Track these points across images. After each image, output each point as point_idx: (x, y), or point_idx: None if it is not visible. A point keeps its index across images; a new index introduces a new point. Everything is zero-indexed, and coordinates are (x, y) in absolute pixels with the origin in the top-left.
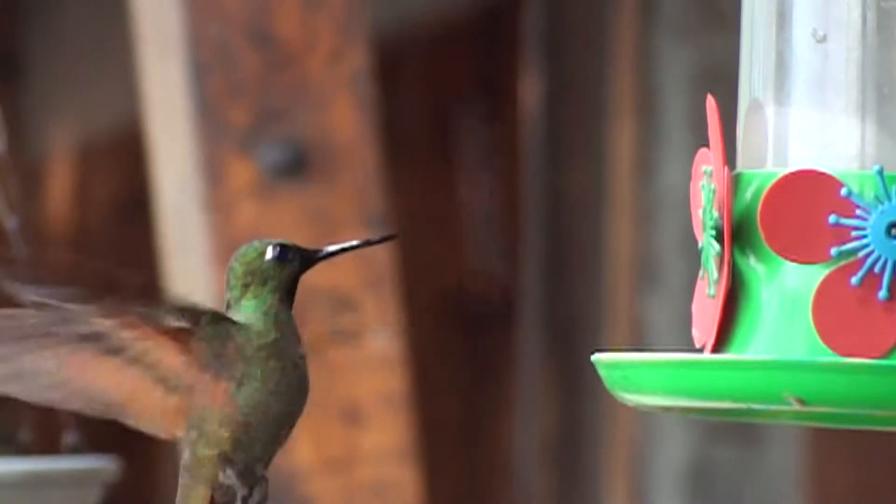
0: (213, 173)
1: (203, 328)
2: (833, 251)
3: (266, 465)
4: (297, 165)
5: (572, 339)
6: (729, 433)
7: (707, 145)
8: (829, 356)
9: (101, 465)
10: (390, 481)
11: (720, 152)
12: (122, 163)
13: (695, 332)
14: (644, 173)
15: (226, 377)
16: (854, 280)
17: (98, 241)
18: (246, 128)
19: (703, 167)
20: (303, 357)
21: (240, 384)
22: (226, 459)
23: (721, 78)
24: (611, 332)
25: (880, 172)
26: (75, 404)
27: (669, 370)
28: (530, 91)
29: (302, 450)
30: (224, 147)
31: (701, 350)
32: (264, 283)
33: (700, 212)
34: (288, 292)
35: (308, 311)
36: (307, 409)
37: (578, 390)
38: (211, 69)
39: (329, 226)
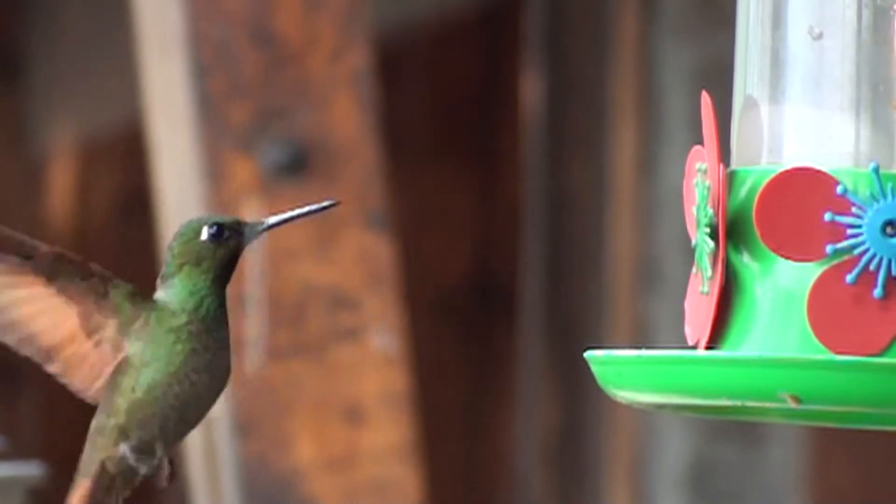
0: (214, 172)
1: (113, 300)
2: (828, 249)
3: (168, 445)
4: (298, 164)
5: (573, 338)
6: (730, 432)
7: (703, 143)
8: (824, 354)
9: (25, 471)
10: (391, 480)
11: (715, 149)
12: (123, 162)
13: (687, 330)
14: (645, 172)
15: (126, 351)
16: (849, 278)
17: (99, 240)
18: (247, 127)
19: (698, 164)
20: (223, 343)
21: (142, 361)
22: (121, 431)
23: (722, 76)
24: (612, 331)
25: (876, 170)
26: (8, 338)
27: (662, 367)
28: (531, 90)
29: (303, 449)
30: (225, 146)
31: (694, 347)
32: (199, 263)
33: (694, 209)
34: (225, 270)
35: (308, 310)
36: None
37: (579, 389)
38: (212, 68)
39: (330, 224)
